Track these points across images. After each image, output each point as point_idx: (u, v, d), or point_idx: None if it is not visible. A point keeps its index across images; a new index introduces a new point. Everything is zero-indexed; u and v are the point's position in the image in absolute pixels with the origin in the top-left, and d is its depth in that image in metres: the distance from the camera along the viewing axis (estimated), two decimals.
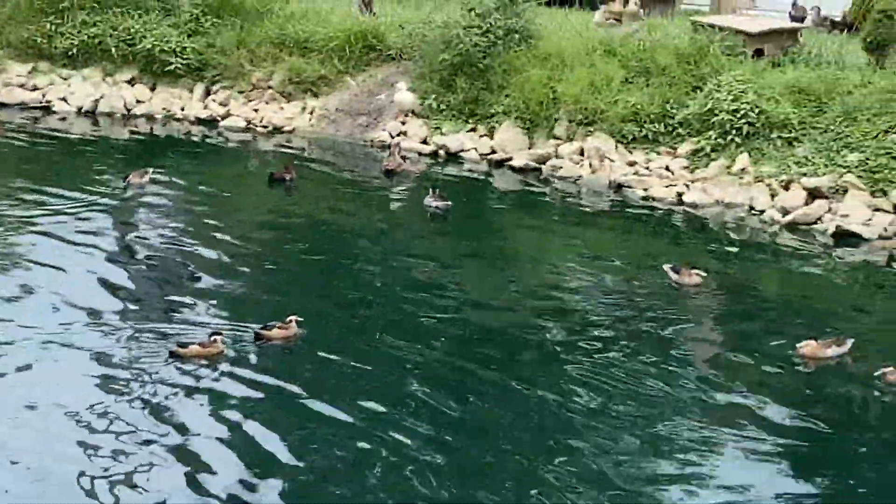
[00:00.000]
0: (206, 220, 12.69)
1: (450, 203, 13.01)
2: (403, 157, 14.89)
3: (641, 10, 16.98)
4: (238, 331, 9.56)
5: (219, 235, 12.10)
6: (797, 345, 9.67)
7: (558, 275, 11.53)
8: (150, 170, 13.42)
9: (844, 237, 12.97)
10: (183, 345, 9.16)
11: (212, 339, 9.20)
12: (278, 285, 10.93)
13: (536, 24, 16.39)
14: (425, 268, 11.56)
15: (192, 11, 17.48)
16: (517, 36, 16.00)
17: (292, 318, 9.52)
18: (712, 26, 15.66)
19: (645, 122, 14.94)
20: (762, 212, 13.66)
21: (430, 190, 13.13)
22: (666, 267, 11.25)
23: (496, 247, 12.61)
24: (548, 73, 15.53)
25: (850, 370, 9.56)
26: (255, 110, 16.73)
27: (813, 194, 13.59)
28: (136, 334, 9.45)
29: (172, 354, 9.08)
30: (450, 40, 15.88)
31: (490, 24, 15.86)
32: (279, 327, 9.47)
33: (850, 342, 9.74)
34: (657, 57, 15.37)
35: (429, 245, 12.52)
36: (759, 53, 15.40)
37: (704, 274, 11.12)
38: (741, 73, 14.74)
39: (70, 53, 17.37)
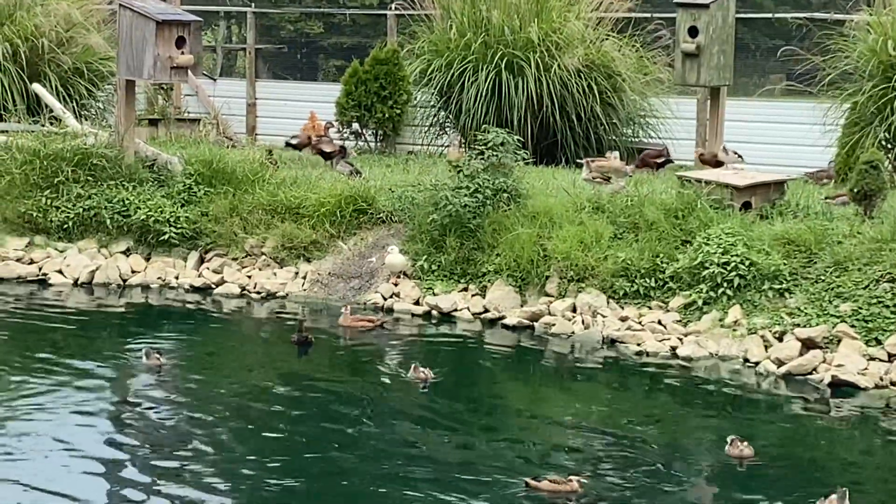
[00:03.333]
0: (204, 389, 12.67)
1: (434, 377, 12.89)
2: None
3: (628, 167, 17.09)
4: None
5: (219, 404, 12.12)
6: None
7: (551, 437, 11.46)
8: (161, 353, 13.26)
9: (840, 387, 12.91)
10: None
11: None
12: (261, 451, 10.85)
13: (524, 183, 16.51)
14: (413, 433, 11.49)
15: (184, 181, 17.64)
16: (506, 195, 16.13)
17: None
18: (699, 180, 15.77)
19: (636, 277, 14.98)
20: (757, 363, 13.62)
21: (413, 367, 13.00)
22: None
23: (490, 407, 12.56)
24: (537, 232, 15.62)
25: None
26: (249, 276, 16.79)
27: (807, 345, 13.56)
28: None
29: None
30: (439, 201, 16.01)
31: (479, 184, 16.01)
32: None
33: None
34: (645, 212, 15.47)
35: (419, 410, 12.43)
36: (746, 206, 15.48)
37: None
38: (730, 226, 14.81)
39: (65, 226, 17.45)
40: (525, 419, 12.18)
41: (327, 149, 19.46)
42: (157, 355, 13.09)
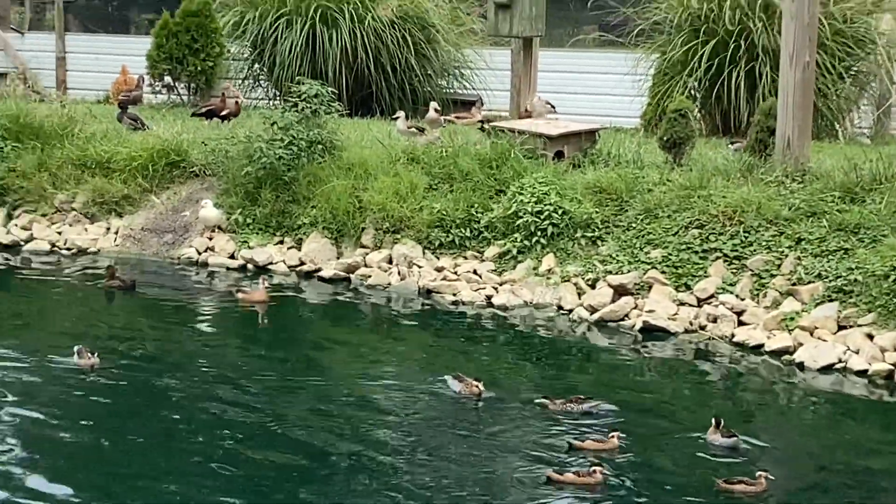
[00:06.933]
0: (11, 346, 12.38)
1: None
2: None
3: (442, 118, 17.13)
4: None
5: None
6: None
7: (363, 384, 11.47)
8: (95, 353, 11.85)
9: (652, 332, 13.15)
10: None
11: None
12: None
13: (339, 135, 16.45)
14: (230, 381, 11.42)
15: None
16: (321, 147, 16.05)
17: None
18: (512, 130, 15.87)
19: (451, 227, 15.03)
20: (570, 311, 13.79)
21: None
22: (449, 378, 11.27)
23: (304, 358, 12.50)
24: (352, 183, 15.58)
25: None
26: (59, 233, 16.48)
27: (619, 291, 13.77)
28: None
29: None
30: (253, 154, 15.85)
31: (293, 136, 15.89)
32: None
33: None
34: (460, 163, 15.52)
35: (237, 358, 12.40)
36: (559, 155, 15.63)
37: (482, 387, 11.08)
38: (543, 175, 14.93)
39: None
40: (339, 372, 12.14)
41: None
42: (89, 353, 11.73)
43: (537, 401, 10.87)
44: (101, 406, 10.81)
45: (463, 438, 10.15)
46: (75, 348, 11.76)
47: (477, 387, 11.03)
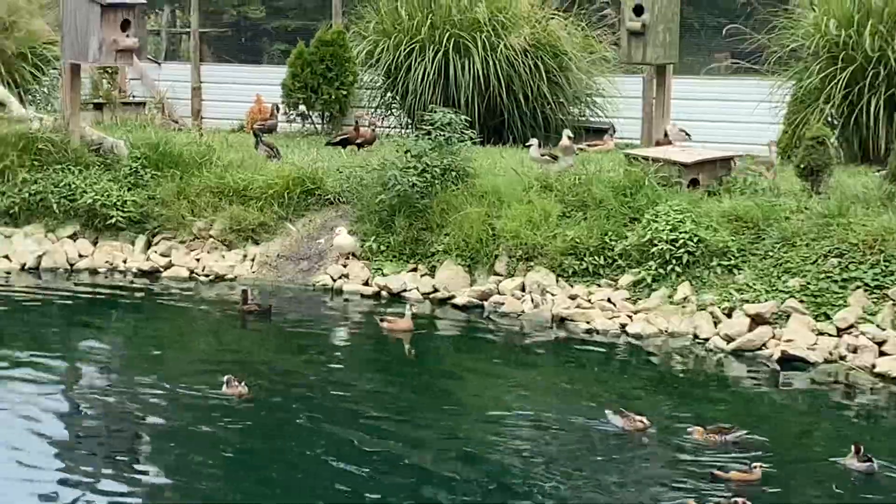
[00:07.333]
0: (155, 372, 12.51)
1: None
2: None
3: (575, 146, 17.10)
4: None
5: (167, 386, 11.97)
6: None
7: (500, 414, 11.43)
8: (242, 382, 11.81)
9: (790, 362, 12.98)
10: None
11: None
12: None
13: (472, 163, 16.50)
14: (369, 410, 11.46)
15: (131, 165, 17.51)
16: (454, 174, 16.12)
17: None
18: (646, 158, 15.80)
19: (584, 255, 14.99)
20: (706, 340, 13.67)
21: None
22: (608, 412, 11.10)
23: (440, 387, 12.52)
24: (486, 211, 15.63)
25: None
26: (197, 259, 16.71)
27: (756, 321, 13.61)
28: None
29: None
30: (387, 182, 15.97)
31: (426, 164, 15.98)
32: None
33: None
34: (593, 190, 15.49)
35: (375, 385, 12.45)
36: (694, 183, 15.52)
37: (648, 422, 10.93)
38: (678, 202, 14.85)
39: (11, 211, 17.28)
40: (475, 401, 12.15)
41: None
42: (236, 382, 11.66)
43: (689, 429, 10.75)
44: (250, 434, 10.85)
45: (600, 467, 10.09)
46: (224, 378, 11.73)
47: (642, 422, 10.83)
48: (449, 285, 15.38)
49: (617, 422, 10.91)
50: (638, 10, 17.36)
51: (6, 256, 16.90)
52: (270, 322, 14.50)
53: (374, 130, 19.10)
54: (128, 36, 17.35)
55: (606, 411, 11.10)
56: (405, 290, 15.51)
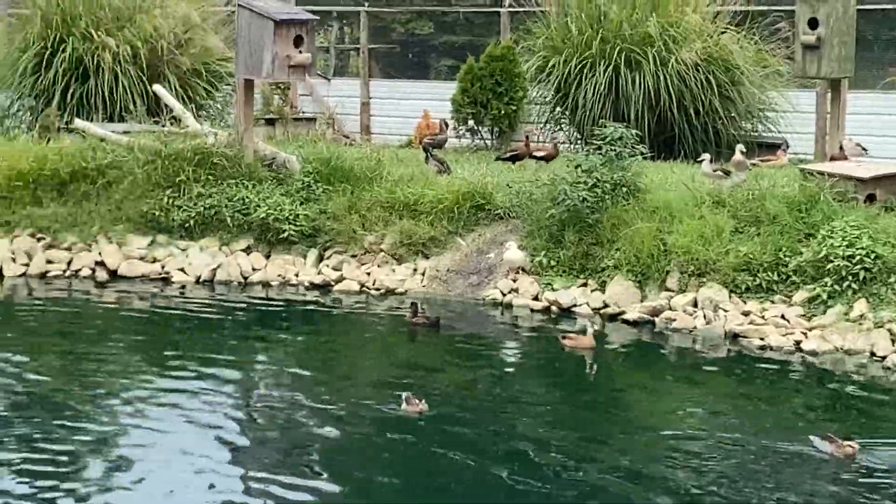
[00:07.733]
0: (328, 384, 12.68)
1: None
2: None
3: (748, 161, 16.90)
4: None
5: (347, 400, 12.10)
6: None
7: (677, 432, 11.35)
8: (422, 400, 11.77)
9: None
10: None
11: None
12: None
13: (643, 178, 16.42)
14: (544, 424, 11.45)
15: (303, 180, 17.75)
16: (625, 189, 16.05)
17: None
18: (821, 173, 15.56)
19: (758, 271, 14.81)
20: (884, 358, 13.42)
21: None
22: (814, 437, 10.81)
23: (613, 402, 12.48)
24: (657, 226, 15.53)
25: None
26: (368, 273, 16.86)
27: None
28: None
29: None
30: (557, 196, 15.97)
31: (597, 178, 15.93)
32: None
33: None
34: (767, 206, 15.29)
35: (548, 400, 12.47)
36: (871, 198, 15.24)
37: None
38: (854, 218, 14.60)
39: (187, 225, 17.62)
40: (649, 419, 12.07)
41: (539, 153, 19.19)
42: (416, 400, 11.63)
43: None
44: (426, 448, 10.87)
45: (779, 488, 9.95)
46: (403, 395, 11.73)
47: (851, 446, 10.46)
48: (619, 301, 15.30)
49: (825, 447, 10.55)
50: (812, 24, 17.13)
51: (182, 269, 17.23)
52: (440, 335, 14.56)
53: (556, 146, 19.16)
54: (301, 52, 17.60)
55: (811, 437, 10.81)
56: (575, 306, 15.48)
